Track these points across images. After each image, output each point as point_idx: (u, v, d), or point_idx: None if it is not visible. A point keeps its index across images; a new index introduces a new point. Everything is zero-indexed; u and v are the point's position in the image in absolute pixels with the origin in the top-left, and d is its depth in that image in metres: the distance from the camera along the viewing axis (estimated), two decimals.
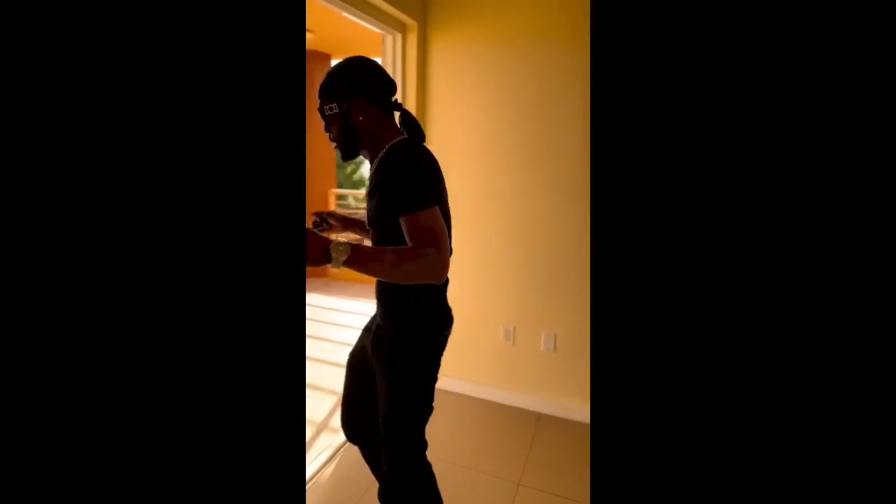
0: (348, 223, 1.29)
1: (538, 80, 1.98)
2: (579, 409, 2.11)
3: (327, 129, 1.09)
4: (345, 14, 1.74)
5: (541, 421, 2.12)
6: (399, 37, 2.06)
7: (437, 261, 0.90)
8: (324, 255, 0.83)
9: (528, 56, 1.97)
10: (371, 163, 1.10)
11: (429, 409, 1.13)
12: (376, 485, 1.33)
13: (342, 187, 5.15)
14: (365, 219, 1.12)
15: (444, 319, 1.13)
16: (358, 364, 1.26)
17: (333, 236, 0.95)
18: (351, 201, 5.15)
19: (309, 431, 2.04)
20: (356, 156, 1.11)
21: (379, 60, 2.15)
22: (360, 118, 1.04)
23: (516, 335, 2.20)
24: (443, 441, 1.93)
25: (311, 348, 2.94)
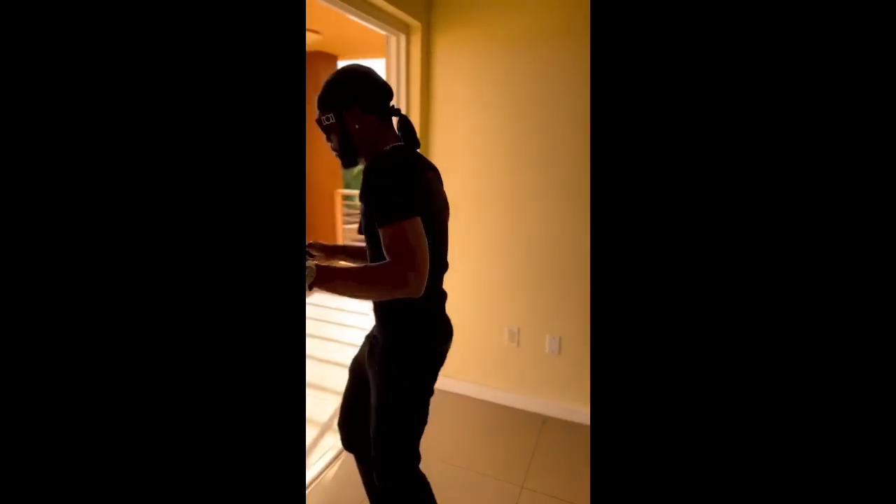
0: (332, 252, 1.28)
1: (541, 80, 1.97)
2: (584, 412, 2.09)
3: (327, 139, 1.09)
4: (348, 16, 1.75)
5: (546, 424, 2.11)
6: (403, 38, 2.06)
7: (403, 278, 0.87)
8: None
9: (531, 56, 1.97)
10: None
11: (421, 424, 1.10)
12: None
13: (349, 188, 5.17)
14: (354, 242, 1.11)
15: (440, 332, 1.11)
16: (358, 371, 1.26)
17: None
18: (357, 202, 5.17)
19: (313, 432, 2.05)
20: (356, 164, 1.11)
21: (383, 61, 2.17)
22: (356, 126, 1.03)
23: (521, 337, 2.19)
24: (446, 443, 1.93)
25: (317, 348, 2.96)
